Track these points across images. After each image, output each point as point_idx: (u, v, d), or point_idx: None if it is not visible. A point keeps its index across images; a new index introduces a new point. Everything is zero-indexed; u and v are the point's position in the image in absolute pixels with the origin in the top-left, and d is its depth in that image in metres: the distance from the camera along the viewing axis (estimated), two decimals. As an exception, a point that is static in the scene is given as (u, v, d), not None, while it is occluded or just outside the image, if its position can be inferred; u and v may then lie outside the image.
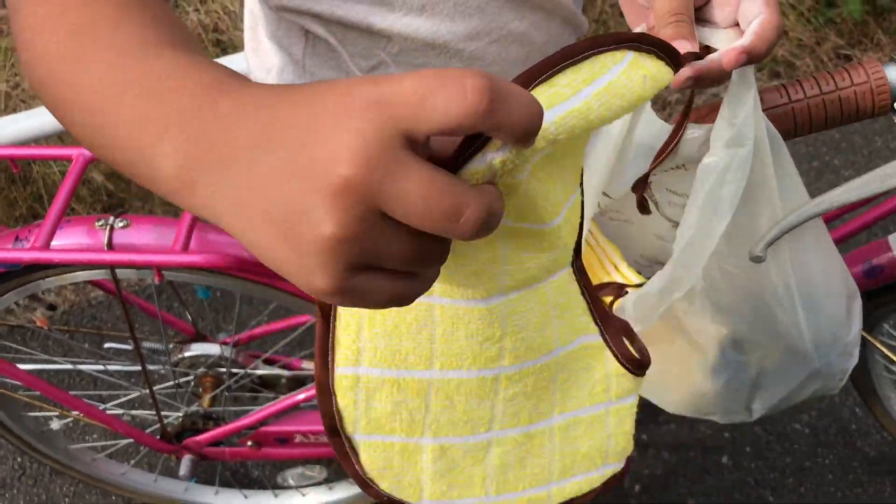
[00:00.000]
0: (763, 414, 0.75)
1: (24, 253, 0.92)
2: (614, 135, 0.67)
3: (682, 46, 0.53)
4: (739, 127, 0.57)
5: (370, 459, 0.49)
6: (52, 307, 1.24)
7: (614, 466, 0.53)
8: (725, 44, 0.55)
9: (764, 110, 0.66)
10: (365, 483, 0.50)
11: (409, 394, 0.46)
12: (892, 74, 0.66)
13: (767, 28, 0.54)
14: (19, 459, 1.62)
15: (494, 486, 0.50)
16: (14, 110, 2.21)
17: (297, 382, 1.36)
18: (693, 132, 0.66)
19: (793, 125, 0.66)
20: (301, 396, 1.22)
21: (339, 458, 0.50)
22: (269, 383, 1.37)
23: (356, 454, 0.49)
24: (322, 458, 1.36)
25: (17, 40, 0.47)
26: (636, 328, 0.58)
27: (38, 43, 0.45)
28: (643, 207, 0.70)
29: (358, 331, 0.45)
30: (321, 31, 0.59)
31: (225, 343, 1.31)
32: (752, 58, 0.54)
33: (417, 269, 0.34)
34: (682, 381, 0.71)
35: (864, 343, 1.28)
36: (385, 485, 0.50)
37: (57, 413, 1.31)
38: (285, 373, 1.35)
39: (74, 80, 0.42)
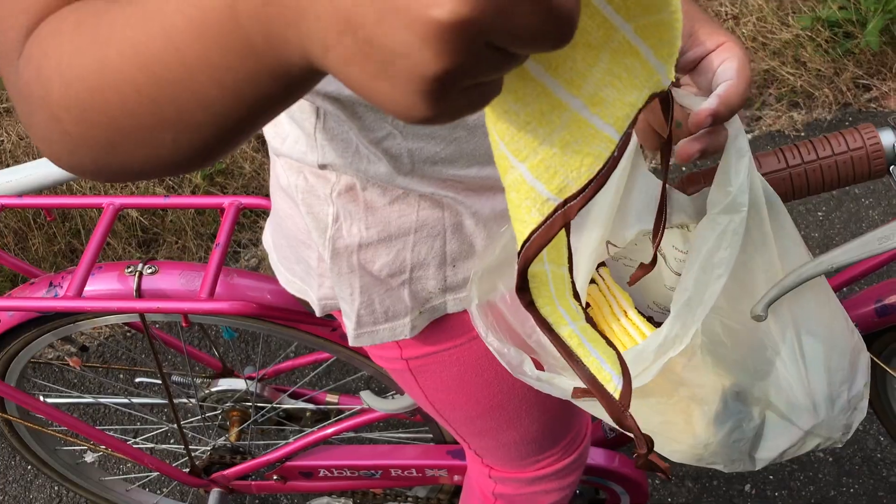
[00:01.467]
0: (767, 464, 0.77)
1: (58, 302, 0.97)
2: (612, 184, 0.70)
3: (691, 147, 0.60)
4: (734, 195, 0.60)
5: None
6: (84, 348, 1.29)
7: None
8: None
9: (762, 175, 0.69)
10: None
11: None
12: (887, 138, 0.68)
13: (732, 94, 0.59)
14: (56, 488, 1.68)
15: None
16: (52, 149, 2.30)
17: (323, 416, 1.40)
18: (691, 195, 0.69)
19: (790, 189, 0.69)
20: (326, 432, 1.26)
21: None
22: (294, 417, 1.41)
23: None
24: (346, 491, 1.39)
25: (41, 90, 0.43)
26: (634, 384, 0.60)
27: (68, 69, 0.42)
28: (652, 263, 0.72)
29: None
30: (330, 107, 0.62)
31: (251, 378, 1.35)
32: (716, 120, 0.58)
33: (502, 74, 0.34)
34: (685, 432, 0.73)
35: (885, 375, 1.29)
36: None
37: (90, 447, 1.36)
38: (310, 406, 1.39)
39: (114, 62, 0.40)
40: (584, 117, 0.40)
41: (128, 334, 1.92)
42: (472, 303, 0.66)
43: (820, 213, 1.93)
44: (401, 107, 0.33)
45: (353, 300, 0.73)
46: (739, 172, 0.60)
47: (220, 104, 0.39)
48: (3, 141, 2.39)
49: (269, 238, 0.87)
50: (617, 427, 0.51)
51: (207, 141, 0.41)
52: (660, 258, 0.76)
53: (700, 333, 0.65)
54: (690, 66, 0.64)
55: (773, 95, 2.14)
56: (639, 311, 0.76)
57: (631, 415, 0.50)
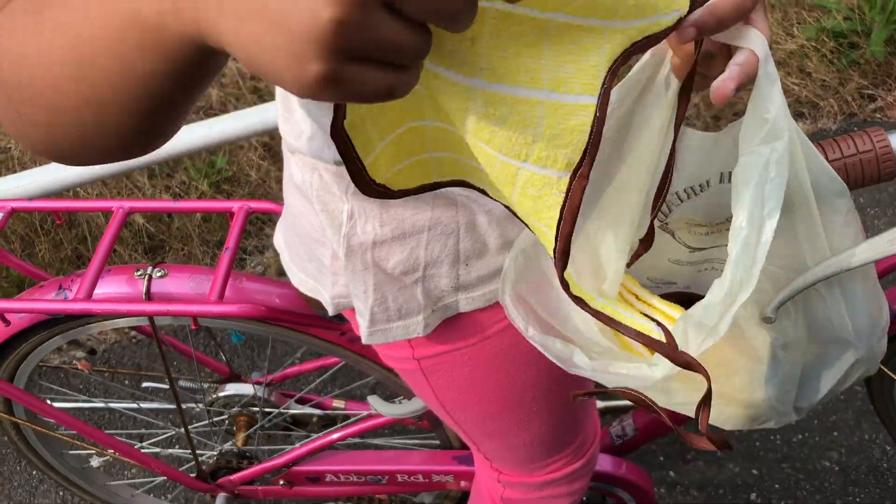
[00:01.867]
0: (808, 411, 0.75)
1: (68, 304, 0.98)
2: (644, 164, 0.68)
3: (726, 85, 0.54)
4: (773, 121, 0.57)
5: None
6: (92, 352, 1.30)
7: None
8: None
9: None
10: None
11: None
12: None
13: (721, 2, 0.53)
14: (61, 493, 1.68)
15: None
16: (60, 156, 2.31)
17: (329, 421, 1.40)
18: (704, 143, 0.67)
19: None
20: (333, 437, 1.26)
21: None
22: (301, 422, 1.41)
23: None
24: (352, 496, 1.39)
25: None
26: (705, 345, 0.58)
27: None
28: (650, 239, 0.70)
29: None
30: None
31: (258, 383, 1.35)
32: (700, 30, 0.52)
33: (408, 62, 0.34)
34: (740, 394, 0.71)
35: (893, 383, 1.29)
36: None
37: (96, 451, 1.36)
38: (317, 412, 1.39)
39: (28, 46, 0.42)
40: (555, 100, 0.45)
41: (133, 340, 1.93)
42: (505, 294, 0.65)
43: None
44: (294, 67, 0.33)
45: (366, 298, 0.74)
46: (774, 98, 0.56)
47: (120, 81, 0.41)
48: (10, 148, 2.40)
49: (280, 238, 0.88)
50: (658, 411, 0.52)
51: (122, 122, 0.43)
52: (663, 235, 0.75)
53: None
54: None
55: (778, 105, 2.15)
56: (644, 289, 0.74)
57: (685, 352, 0.53)
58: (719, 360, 0.68)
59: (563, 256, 0.48)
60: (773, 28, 2.24)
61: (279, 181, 2.20)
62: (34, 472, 1.71)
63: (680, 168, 0.69)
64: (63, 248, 2.13)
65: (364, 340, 0.76)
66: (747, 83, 0.57)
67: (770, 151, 0.57)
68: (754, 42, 0.55)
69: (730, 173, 0.70)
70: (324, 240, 0.76)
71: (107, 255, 1.04)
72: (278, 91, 0.80)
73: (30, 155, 2.35)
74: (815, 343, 0.71)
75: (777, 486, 1.59)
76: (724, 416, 0.73)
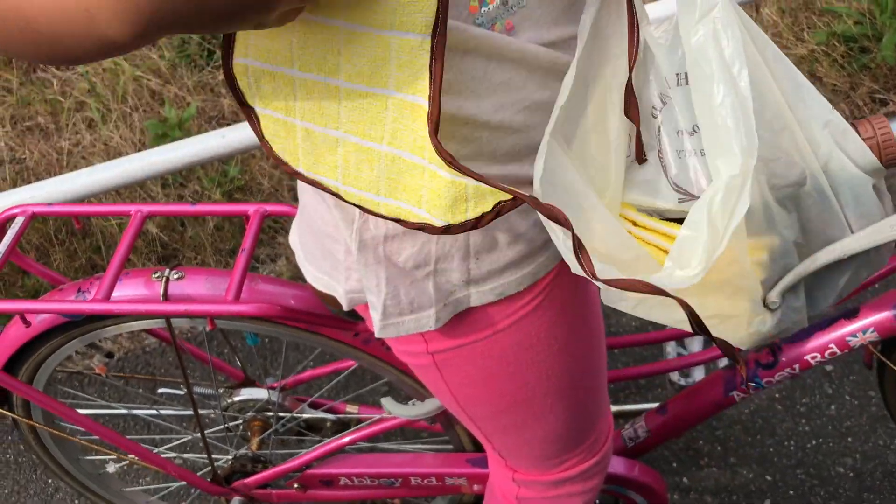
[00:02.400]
0: (824, 310, 0.73)
1: (87, 304, 0.99)
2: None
3: None
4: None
5: (266, 127, 0.67)
6: (110, 355, 1.31)
7: (431, 218, 0.62)
8: None
9: None
10: (268, 147, 0.67)
11: (281, 83, 0.63)
12: None
13: None
14: (77, 502, 1.69)
15: (342, 176, 0.64)
16: (75, 167, 2.33)
17: (342, 425, 1.40)
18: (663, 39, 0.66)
19: None
20: (346, 440, 1.26)
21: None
22: (314, 427, 1.41)
23: (258, 122, 0.67)
24: (367, 499, 1.40)
25: None
26: (735, 222, 0.57)
27: None
28: (640, 153, 0.69)
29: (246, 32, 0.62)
30: None
31: (272, 388, 1.36)
32: None
33: None
34: (744, 313, 0.69)
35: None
36: (277, 148, 0.67)
37: (114, 457, 1.37)
38: (330, 416, 1.40)
39: None
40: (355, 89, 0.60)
41: (147, 348, 1.94)
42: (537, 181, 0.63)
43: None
44: None
45: (379, 291, 0.75)
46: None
47: None
48: (25, 158, 2.42)
49: (295, 237, 0.89)
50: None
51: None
52: (660, 169, 0.74)
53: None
54: None
55: (788, 111, 2.15)
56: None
57: None
58: (726, 275, 0.67)
59: (436, 120, 0.56)
60: (784, 32, 2.25)
61: (291, 189, 2.22)
62: (49, 481, 1.72)
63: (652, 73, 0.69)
64: (77, 258, 2.14)
65: (377, 334, 0.77)
66: None
67: (712, 23, 0.57)
68: None
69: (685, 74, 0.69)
70: (337, 235, 0.77)
71: (125, 258, 1.05)
72: None
73: (44, 166, 2.37)
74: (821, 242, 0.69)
75: (791, 492, 1.58)
76: (737, 333, 0.70)
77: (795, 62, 2.19)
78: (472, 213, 0.62)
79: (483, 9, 0.62)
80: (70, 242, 2.15)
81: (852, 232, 0.68)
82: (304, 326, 1.09)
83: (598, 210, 0.64)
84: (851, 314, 1.10)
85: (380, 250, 0.72)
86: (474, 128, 0.63)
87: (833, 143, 0.67)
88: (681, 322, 0.61)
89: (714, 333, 0.67)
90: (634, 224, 0.71)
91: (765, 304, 0.66)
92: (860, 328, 1.09)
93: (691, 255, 0.59)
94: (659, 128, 0.68)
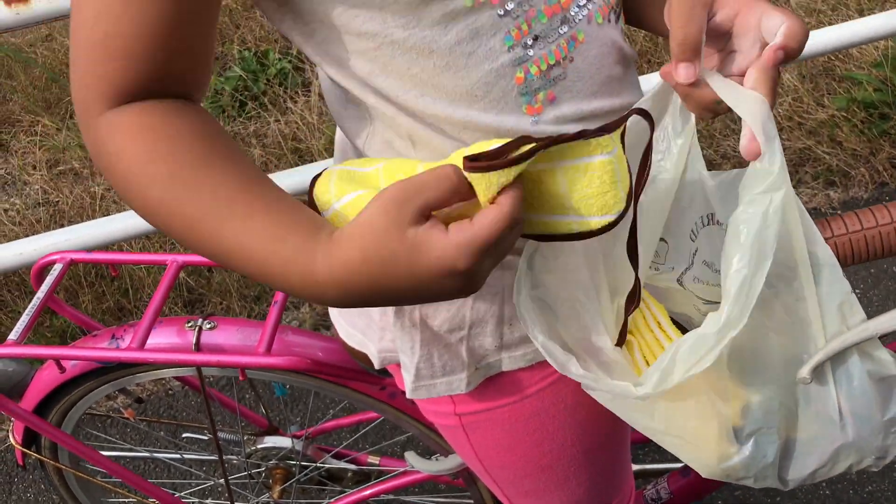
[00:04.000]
0: (799, 484, 0.75)
1: (123, 353, 1.02)
2: (668, 180, 0.73)
3: (682, 71, 0.62)
4: (777, 173, 0.62)
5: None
6: (139, 400, 1.33)
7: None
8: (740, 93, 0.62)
9: None
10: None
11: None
12: None
13: (794, 29, 0.61)
14: (95, 544, 1.70)
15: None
16: (107, 211, 2.39)
17: (364, 477, 1.41)
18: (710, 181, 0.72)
19: (837, 258, 0.71)
20: (367, 492, 1.27)
21: None
22: (336, 477, 1.42)
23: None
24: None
25: (111, 177, 0.61)
26: (691, 372, 0.63)
27: (136, 187, 0.59)
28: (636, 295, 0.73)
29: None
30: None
31: (296, 436, 1.37)
32: (787, 54, 0.60)
33: None
34: (716, 442, 0.72)
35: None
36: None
37: (135, 500, 1.38)
38: (352, 467, 1.41)
39: (186, 214, 0.58)
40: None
41: (171, 391, 1.96)
42: (519, 295, 0.68)
43: (857, 291, 1.93)
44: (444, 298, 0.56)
45: (413, 353, 0.77)
46: (776, 151, 0.62)
47: (239, 268, 0.60)
48: (59, 202, 2.48)
49: None
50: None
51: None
52: (680, 289, 0.79)
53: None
54: (723, 31, 0.65)
55: (809, 174, 2.18)
56: (673, 322, 0.77)
57: None
58: (698, 403, 0.70)
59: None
60: (805, 97, 2.28)
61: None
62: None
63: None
64: (105, 300, 2.18)
65: (409, 395, 0.79)
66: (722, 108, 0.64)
67: (769, 201, 0.62)
68: (756, 108, 0.61)
69: (711, 216, 0.75)
70: None
71: (160, 307, 1.08)
72: (336, 150, 0.84)
73: (77, 209, 2.43)
74: (805, 419, 0.72)
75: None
76: (700, 461, 0.74)
77: (815, 126, 2.22)
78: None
79: (528, 78, 0.67)
80: (99, 285, 2.19)
81: (841, 419, 0.70)
82: (332, 379, 1.11)
83: (592, 306, 0.69)
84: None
85: (416, 314, 0.74)
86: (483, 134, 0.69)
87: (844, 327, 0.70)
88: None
89: (676, 453, 0.71)
90: (659, 326, 0.75)
91: (737, 439, 0.67)
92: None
93: (650, 376, 0.64)
94: (696, 251, 0.74)
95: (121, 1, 0.56)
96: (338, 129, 0.80)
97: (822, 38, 1.85)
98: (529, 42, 0.66)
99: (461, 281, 0.54)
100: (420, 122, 0.67)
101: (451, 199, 0.54)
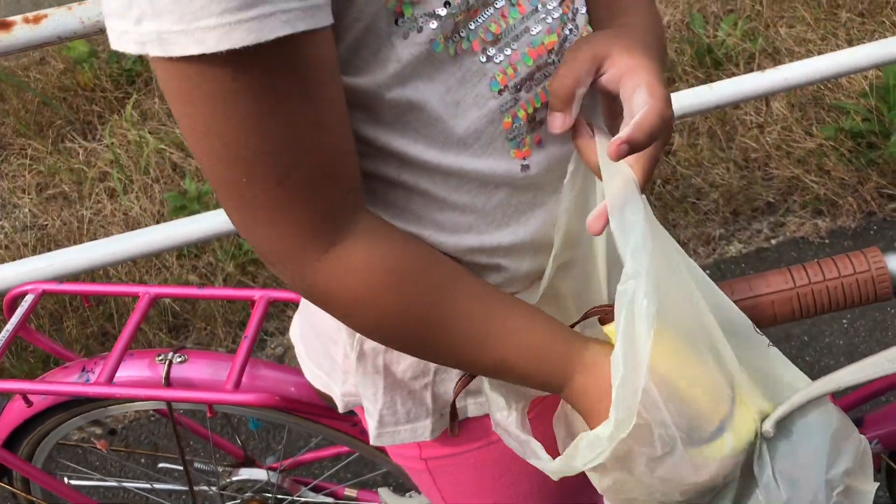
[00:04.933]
0: None
1: (89, 388, 1.00)
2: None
3: (552, 120, 0.63)
4: (629, 264, 0.59)
5: None
6: (112, 432, 1.32)
7: None
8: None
9: (770, 293, 0.71)
10: None
11: None
12: (893, 264, 0.70)
13: (649, 117, 0.58)
14: (71, 575, 1.67)
15: None
16: (94, 235, 2.38)
17: (340, 510, 1.39)
18: None
19: (798, 309, 0.71)
20: (342, 527, 1.25)
21: None
22: (312, 510, 1.40)
23: None
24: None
25: (352, 318, 0.63)
26: (588, 466, 0.63)
27: (392, 328, 0.63)
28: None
29: None
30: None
31: (272, 469, 1.35)
32: (632, 147, 0.58)
33: None
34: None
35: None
36: None
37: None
38: (329, 500, 1.39)
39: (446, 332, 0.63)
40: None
41: (152, 419, 1.94)
42: (484, 380, 0.68)
43: (844, 321, 1.92)
44: None
45: (376, 400, 0.75)
46: (629, 244, 0.60)
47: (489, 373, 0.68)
48: (46, 225, 2.48)
49: (297, 330, 0.90)
50: None
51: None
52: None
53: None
54: (611, 92, 0.63)
55: (797, 202, 2.17)
56: None
57: None
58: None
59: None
60: (793, 126, 2.28)
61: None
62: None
63: None
64: (90, 325, 2.17)
65: (372, 441, 0.78)
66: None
67: (633, 289, 0.59)
68: (618, 187, 0.60)
69: None
70: (337, 338, 0.78)
71: (130, 340, 1.07)
72: None
73: (65, 233, 2.42)
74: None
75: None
76: None
77: (804, 155, 2.22)
78: None
79: (516, 123, 0.67)
80: (83, 310, 2.18)
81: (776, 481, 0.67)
82: (304, 416, 1.10)
83: None
84: (857, 424, 1.10)
85: (379, 360, 0.73)
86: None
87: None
88: None
89: None
90: None
91: (761, 435, 0.66)
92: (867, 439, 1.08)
93: (559, 460, 0.67)
94: None
95: (311, 119, 0.54)
96: None
97: (811, 68, 1.84)
98: (517, 86, 0.66)
99: None
100: (406, 168, 0.66)
101: None
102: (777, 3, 2.67)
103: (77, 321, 2.17)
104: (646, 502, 0.66)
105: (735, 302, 0.69)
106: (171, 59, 0.50)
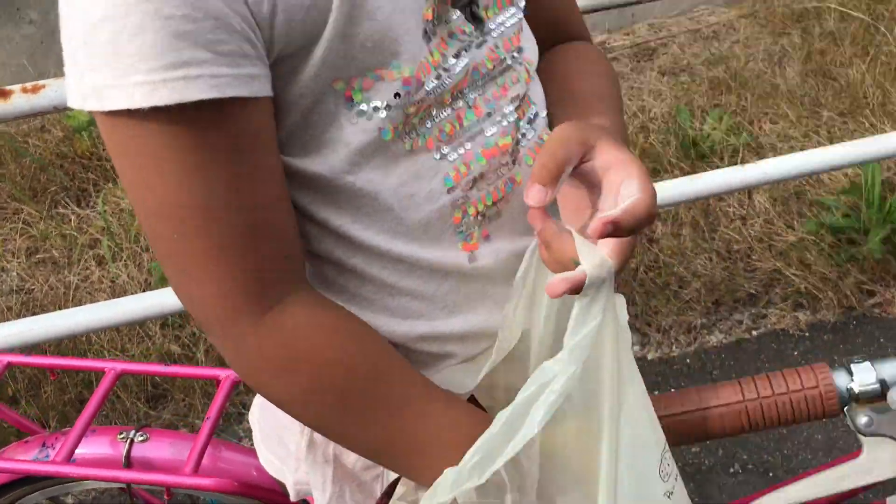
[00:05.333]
0: None
1: (45, 466, 1.00)
2: None
3: (533, 192, 0.59)
4: (573, 347, 0.59)
5: None
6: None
7: None
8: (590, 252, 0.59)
9: (719, 406, 0.71)
10: None
11: None
12: (840, 380, 0.70)
13: (638, 206, 0.58)
14: None
15: None
16: (80, 301, 2.38)
17: None
18: None
19: (746, 423, 0.71)
20: None
21: None
22: None
23: None
24: None
25: (283, 384, 0.63)
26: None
27: (328, 388, 0.62)
28: None
29: None
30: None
31: (235, 552, 1.33)
32: (617, 229, 0.57)
33: None
34: None
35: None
36: None
37: None
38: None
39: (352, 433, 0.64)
40: None
41: (113, 497, 1.91)
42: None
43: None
44: None
45: (324, 490, 0.75)
46: (578, 334, 0.59)
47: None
48: (33, 290, 2.48)
49: (255, 414, 0.90)
50: None
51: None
52: None
53: None
54: (593, 180, 0.62)
55: (778, 295, 2.19)
56: None
57: None
58: None
59: None
60: (775, 220, 2.31)
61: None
62: None
63: None
64: (68, 392, 2.16)
65: None
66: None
67: (552, 375, 0.58)
68: (595, 265, 0.59)
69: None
70: (291, 426, 0.78)
71: (93, 416, 1.07)
72: None
73: (51, 298, 2.43)
74: None
75: None
76: None
77: (785, 248, 2.24)
78: None
79: (465, 219, 0.68)
80: (62, 376, 2.17)
81: None
82: (263, 502, 1.08)
83: None
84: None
85: (329, 450, 0.73)
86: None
87: None
88: None
89: None
90: None
91: None
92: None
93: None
94: None
95: (242, 182, 0.56)
96: None
97: (792, 163, 1.85)
98: (468, 184, 0.67)
99: None
100: (359, 253, 0.67)
101: None
102: (762, 100, 2.74)
103: (55, 388, 2.15)
104: None
105: (683, 413, 0.70)
106: (106, 113, 0.52)
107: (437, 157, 0.65)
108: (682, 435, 0.71)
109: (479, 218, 0.68)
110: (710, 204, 2.37)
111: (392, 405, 0.63)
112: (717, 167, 2.36)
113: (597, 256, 0.59)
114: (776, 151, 2.49)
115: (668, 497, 0.63)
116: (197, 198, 0.54)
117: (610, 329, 0.62)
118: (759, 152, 2.53)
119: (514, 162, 0.70)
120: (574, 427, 0.62)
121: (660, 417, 0.69)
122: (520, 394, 0.60)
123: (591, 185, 0.63)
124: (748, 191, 2.33)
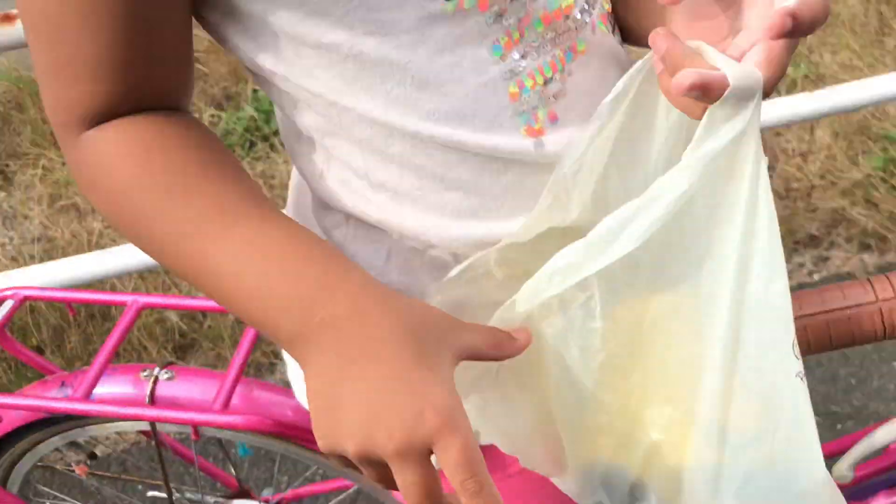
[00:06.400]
0: None
1: (63, 403, 0.91)
2: None
3: (684, 75, 0.47)
4: (701, 157, 0.48)
5: None
6: (93, 456, 1.22)
7: None
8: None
9: (847, 308, 0.60)
10: None
11: None
12: None
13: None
14: None
15: None
16: (103, 248, 2.30)
17: (340, 548, 1.28)
18: None
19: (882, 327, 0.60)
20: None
21: None
22: (309, 547, 1.29)
23: None
24: None
25: (97, 196, 0.56)
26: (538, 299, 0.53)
27: (127, 204, 0.55)
28: None
29: None
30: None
31: (267, 501, 1.25)
32: (795, 25, 0.46)
33: None
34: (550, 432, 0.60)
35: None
36: None
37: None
38: (328, 538, 1.28)
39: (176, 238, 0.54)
40: None
41: (140, 443, 1.84)
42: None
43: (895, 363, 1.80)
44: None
45: None
46: (703, 145, 0.48)
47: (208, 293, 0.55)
48: (56, 237, 2.41)
49: None
50: None
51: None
52: None
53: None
54: None
55: (842, 236, 2.06)
56: None
57: None
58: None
59: None
60: (838, 156, 2.18)
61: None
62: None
63: None
64: (93, 342, 2.09)
65: None
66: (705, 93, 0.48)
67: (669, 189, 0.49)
68: (739, 75, 0.47)
69: None
70: None
71: (114, 350, 0.98)
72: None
73: (74, 246, 2.35)
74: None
75: None
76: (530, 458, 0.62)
77: (849, 186, 2.10)
78: None
79: (524, 95, 0.58)
80: (87, 325, 2.10)
81: None
82: (299, 442, 0.99)
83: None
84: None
85: None
86: None
87: None
88: None
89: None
90: None
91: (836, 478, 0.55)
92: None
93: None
94: None
95: (75, 22, 0.52)
96: (293, 170, 0.72)
97: (856, 93, 1.78)
98: (520, 52, 0.57)
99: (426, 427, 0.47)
100: (381, 158, 0.59)
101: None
102: (821, 29, 2.57)
103: (80, 336, 2.09)
104: None
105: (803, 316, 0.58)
106: None
107: (490, 20, 0.55)
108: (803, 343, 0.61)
109: (541, 96, 0.59)
110: (768, 139, 2.23)
111: (187, 230, 0.54)
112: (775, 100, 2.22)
113: (741, 68, 0.47)
114: (838, 83, 2.34)
115: (801, 379, 0.51)
116: (52, 7, 0.52)
117: (751, 155, 0.49)
118: (819, 85, 2.39)
119: (576, 28, 0.59)
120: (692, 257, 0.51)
121: None
122: (620, 209, 0.50)
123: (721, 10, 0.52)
124: (809, 125, 2.20)
